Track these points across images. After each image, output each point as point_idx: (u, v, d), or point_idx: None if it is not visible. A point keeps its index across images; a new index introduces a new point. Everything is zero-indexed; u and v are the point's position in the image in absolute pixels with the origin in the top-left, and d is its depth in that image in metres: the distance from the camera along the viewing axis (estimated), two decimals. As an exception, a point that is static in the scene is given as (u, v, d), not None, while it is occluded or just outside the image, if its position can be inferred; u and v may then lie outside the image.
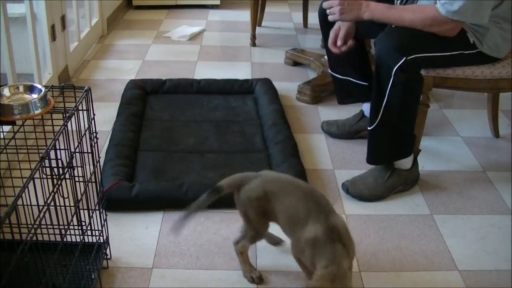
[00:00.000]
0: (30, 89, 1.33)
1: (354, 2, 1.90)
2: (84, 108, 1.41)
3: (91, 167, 1.50)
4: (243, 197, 1.50)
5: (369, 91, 1.97)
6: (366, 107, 2.34)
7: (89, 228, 1.51)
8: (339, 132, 2.43)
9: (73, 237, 1.45)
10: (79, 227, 1.45)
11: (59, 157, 1.25)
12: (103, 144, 2.26)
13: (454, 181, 2.14)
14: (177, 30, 3.79)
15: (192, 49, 3.50)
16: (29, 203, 1.21)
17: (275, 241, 1.70)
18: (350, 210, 1.96)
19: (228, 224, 1.86)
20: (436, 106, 2.75)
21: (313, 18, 3.74)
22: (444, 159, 2.30)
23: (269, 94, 2.68)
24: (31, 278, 1.09)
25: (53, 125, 1.34)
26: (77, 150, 1.42)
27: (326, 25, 2.14)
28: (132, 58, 3.30)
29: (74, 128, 1.36)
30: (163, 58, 3.33)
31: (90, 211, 1.51)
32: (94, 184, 1.53)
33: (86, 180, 1.47)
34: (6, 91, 1.31)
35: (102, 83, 2.94)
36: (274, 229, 1.59)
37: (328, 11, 1.96)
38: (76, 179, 1.41)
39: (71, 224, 1.38)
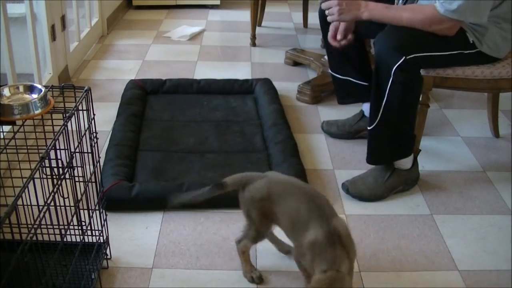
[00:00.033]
0: (30, 89, 1.33)
1: (353, 2, 1.90)
2: (84, 108, 1.41)
3: (91, 167, 1.50)
4: (247, 196, 1.50)
5: (369, 91, 1.97)
6: (366, 107, 2.33)
7: (89, 228, 1.51)
8: (339, 132, 2.43)
9: (73, 237, 1.45)
10: (79, 227, 1.45)
11: (59, 157, 1.25)
12: (103, 144, 2.26)
13: (454, 181, 2.14)
14: (177, 30, 3.79)
15: (192, 49, 3.50)
16: (29, 203, 1.21)
17: (286, 250, 1.68)
18: (350, 210, 1.96)
19: (228, 224, 1.86)
20: (436, 106, 2.75)
21: (313, 18, 3.74)
22: (444, 159, 2.30)
23: (269, 94, 2.68)
24: (31, 278, 1.09)
25: (53, 125, 1.34)
26: (77, 150, 1.42)
27: (326, 25, 2.14)
28: (132, 58, 3.30)
29: (74, 128, 1.36)
30: (163, 58, 3.33)
31: (90, 211, 1.51)
32: (94, 184, 1.53)
33: (86, 180, 1.47)
34: (6, 91, 1.31)
35: (102, 83, 2.94)
36: (284, 237, 1.58)
37: (326, 12, 1.96)
38: (76, 179, 1.41)
39: (71, 224, 1.38)
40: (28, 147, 1.50)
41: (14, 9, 2.73)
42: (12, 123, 1.32)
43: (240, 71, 3.14)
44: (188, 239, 1.79)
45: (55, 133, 1.27)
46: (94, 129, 1.47)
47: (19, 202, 1.05)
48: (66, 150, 1.35)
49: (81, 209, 1.44)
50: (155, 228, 1.83)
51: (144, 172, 2.07)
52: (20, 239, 1.06)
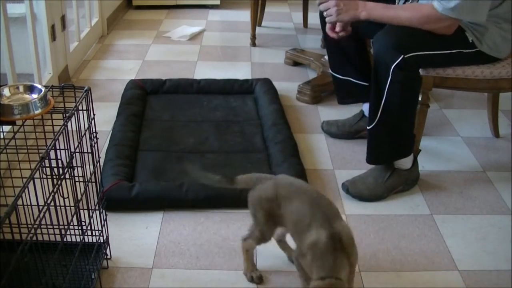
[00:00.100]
0: (30, 89, 1.33)
1: (351, 2, 1.90)
2: (84, 108, 1.41)
3: (91, 167, 1.50)
4: (255, 196, 1.51)
5: (369, 91, 1.97)
6: (366, 107, 2.33)
7: (89, 228, 1.51)
8: (339, 132, 2.43)
9: (73, 237, 1.45)
10: (79, 227, 1.45)
11: (59, 157, 1.25)
12: (103, 144, 2.26)
13: (454, 181, 2.14)
14: (177, 30, 3.79)
15: (192, 49, 3.50)
16: (29, 203, 1.21)
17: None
18: (350, 210, 1.96)
19: (228, 224, 1.86)
20: (436, 106, 2.75)
21: (313, 18, 3.75)
22: (444, 159, 2.30)
23: (269, 94, 2.68)
24: (31, 278, 1.09)
25: (53, 125, 1.34)
26: (77, 150, 1.42)
27: (326, 24, 2.14)
28: (132, 58, 3.30)
29: (74, 128, 1.36)
30: (163, 58, 3.33)
31: (90, 211, 1.51)
32: (94, 184, 1.53)
33: (86, 180, 1.47)
34: (6, 91, 1.31)
35: (102, 83, 2.94)
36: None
37: (325, 13, 1.97)
38: (76, 179, 1.41)
39: (71, 224, 1.38)
40: (28, 147, 1.50)
41: (14, 9, 2.73)
42: (12, 123, 1.32)
43: (240, 71, 3.14)
44: (188, 239, 1.79)
45: (55, 133, 1.27)
46: (94, 129, 1.47)
47: (19, 202, 1.05)
48: (66, 150, 1.35)
49: (81, 209, 1.44)
50: (155, 228, 1.83)
51: (144, 172, 2.07)
52: (20, 239, 1.06)
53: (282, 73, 3.15)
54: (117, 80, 2.95)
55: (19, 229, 1.09)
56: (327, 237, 1.32)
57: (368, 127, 1.97)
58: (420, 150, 2.12)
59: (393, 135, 1.95)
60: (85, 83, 2.90)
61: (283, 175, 1.64)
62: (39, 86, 1.33)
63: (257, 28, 3.68)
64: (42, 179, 1.35)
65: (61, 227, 1.38)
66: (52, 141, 1.23)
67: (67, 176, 1.32)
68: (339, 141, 2.41)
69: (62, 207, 1.33)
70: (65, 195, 1.31)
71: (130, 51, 3.42)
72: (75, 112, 1.36)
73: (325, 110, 2.70)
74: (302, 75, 3.09)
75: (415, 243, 1.79)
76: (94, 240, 1.57)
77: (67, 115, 1.33)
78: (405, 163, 2.02)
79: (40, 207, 1.18)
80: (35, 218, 1.16)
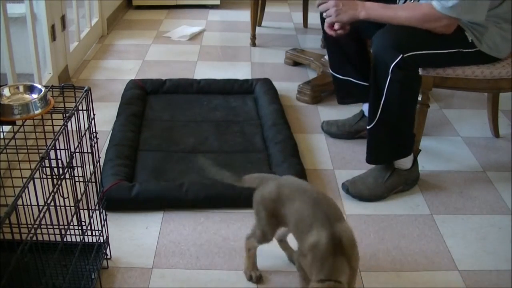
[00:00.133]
0: (30, 89, 1.33)
1: (350, 2, 1.90)
2: (84, 108, 1.41)
3: (91, 167, 1.50)
4: (258, 195, 1.51)
5: (369, 91, 1.97)
6: (366, 107, 2.33)
7: (89, 228, 1.51)
8: (339, 132, 2.43)
9: (73, 237, 1.45)
10: (79, 227, 1.45)
11: (59, 157, 1.25)
12: (103, 144, 2.26)
13: (454, 181, 2.14)
14: (177, 30, 3.79)
15: (192, 49, 3.50)
16: (29, 203, 1.21)
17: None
18: (350, 210, 1.96)
19: (228, 224, 1.86)
20: (436, 106, 2.75)
21: (313, 18, 3.76)
22: (444, 159, 2.30)
23: (269, 94, 2.68)
24: (31, 278, 1.09)
25: (53, 125, 1.34)
26: (77, 150, 1.42)
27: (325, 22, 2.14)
28: (132, 58, 3.30)
29: (74, 128, 1.36)
30: (163, 58, 3.33)
31: (90, 211, 1.51)
32: (94, 184, 1.53)
33: (86, 180, 1.47)
34: (6, 91, 1.31)
35: (102, 83, 2.94)
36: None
37: (324, 14, 1.97)
38: (76, 179, 1.41)
39: (71, 224, 1.38)
40: (28, 147, 1.50)
41: (14, 9, 2.73)
42: (12, 123, 1.32)
43: (240, 71, 3.14)
44: (188, 239, 1.79)
45: (55, 133, 1.27)
46: (94, 129, 1.47)
47: (19, 202, 1.05)
48: (66, 150, 1.35)
49: (81, 209, 1.44)
50: (155, 228, 1.83)
51: (144, 172, 2.07)
52: (20, 239, 1.06)
53: (282, 73, 3.15)
54: (117, 80, 2.95)
55: (19, 229, 1.09)
56: (327, 239, 1.31)
57: (367, 127, 1.97)
58: (420, 150, 2.12)
59: (393, 134, 1.95)
60: (85, 83, 2.90)
61: (288, 176, 1.64)
62: (39, 86, 1.33)
63: (257, 28, 3.68)
64: (42, 179, 1.35)
65: (61, 227, 1.38)
66: (52, 141, 1.23)
67: (67, 176, 1.32)
68: (339, 141, 2.41)
69: (62, 207, 1.33)
70: (65, 195, 1.31)
71: (130, 51, 3.42)
72: (75, 112, 1.36)
73: (325, 110, 2.70)
74: (302, 75, 3.09)
75: (415, 243, 1.79)
76: (94, 240, 1.57)
77: (67, 115, 1.33)
78: (405, 163, 2.02)
79: (40, 207, 1.18)
80: (35, 218, 1.16)
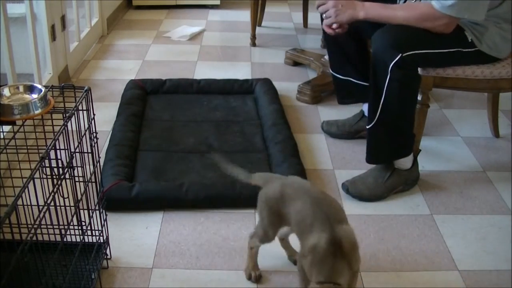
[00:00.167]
0: (30, 89, 1.33)
1: (349, 2, 1.91)
2: (84, 108, 1.41)
3: (91, 167, 1.50)
4: (263, 194, 1.52)
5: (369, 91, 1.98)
6: (366, 107, 2.33)
7: (89, 228, 1.51)
8: (339, 132, 2.43)
9: (73, 237, 1.45)
10: (79, 227, 1.45)
11: (59, 157, 1.25)
12: (103, 144, 2.26)
13: (454, 181, 2.14)
14: (177, 30, 3.79)
15: (192, 49, 3.50)
16: (29, 203, 1.21)
17: (294, 259, 1.66)
18: (350, 210, 1.96)
19: (228, 224, 1.86)
20: (436, 106, 2.75)
21: (313, 18, 3.76)
22: (444, 159, 2.30)
23: (269, 94, 2.68)
24: (31, 278, 1.09)
25: (53, 125, 1.34)
26: (77, 150, 1.42)
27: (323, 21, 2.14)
28: (132, 58, 3.30)
29: (74, 128, 1.36)
30: (163, 58, 3.33)
31: (90, 211, 1.51)
32: (94, 184, 1.53)
33: (86, 180, 1.47)
34: (6, 91, 1.31)
35: (102, 83, 2.94)
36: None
37: (323, 15, 1.97)
38: (76, 179, 1.41)
39: (71, 224, 1.38)
40: (28, 147, 1.50)
41: (14, 9, 2.73)
42: (12, 123, 1.32)
43: (240, 71, 3.14)
44: (188, 239, 1.79)
45: (55, 133, 1.27)
46: (94, 129, 1.47)
47: (19, 202, 1.05)
48: (66, 150, 1.35)
49: (81, 209, 1.44)
50: (155, 228, 1.83)
51: (144, 172, 2.07)
52: (20, 239, 1.06)
53: (282, 73, 3.15)
54: (117, 80, 2.95)
55: (19, 229, 1.09)
56: (327, 241, 1.30)
57: (367, 127, 1.97)
58: (420, 150, 2.12)
59: (393, 134, 1.95)
60: (85, 83, 2.90)
61: (293, 176, 1.65)
62: (39, 86, 1.33)
63: (257, 28, 3.68)
64: (42, 179, 1.35)
65: (61, 227, 1.38)
66: (52, 141, 1.23)
67: (67, 176, 1.32)
68: (339, 141, 2.41)
69: (62, 207, 1.33)
70: (65, 195, 1.31)
71: (130, 51, 3.42)
72: (75, 112, 1.36)
73: (325, 110, 2.70)
74: (302, 75, 3.09)
75: (415, 243, 1.79)
76: (94, 240, 1.57)
77: (67, 115, 1.33)
78: (405, 163, 2.02)
79: (40, 207, 1.18)
80: (35, 218, 1.16)
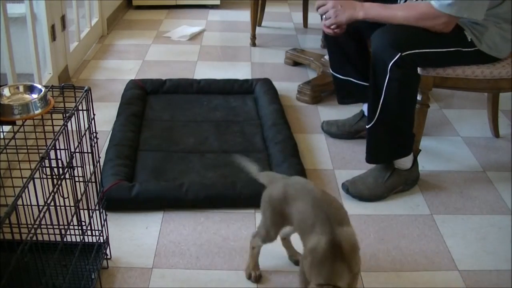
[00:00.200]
0: (30, 89, 1.33)
1: (348, 2, 1.91)
2: (84, 108, 1.41)
3: (91, 167, 1.50)
4: (266, 194, 1.52)
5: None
6: (366, 107, 2.33)
7: (89, 228, 1.51)
8: (339, 132, 2.43)
9: (73, 237, 1.45)
10: (79, 227, 1.45)
11: (59, 157, 1.25)
12: (103, 144, 2.26)
13: (454, 181, 2.14)
14: (177, 30, 3.79)
15: (192, 49, 3.50)
16: (29, 203, 1.21)
17: (295, 260, 1.67)
18: (350, 210, 1.93)
19: (228, 224, 1.86)
20: (436, 106, 2.75)
21: (313, 18, 3.76)
22: (444, 159, 2.30)
23: (269, 94, 2.68)
24: (31, 278, 1.09)
25: (53, 125, 1.34)
26: (77, 150, 1.42)
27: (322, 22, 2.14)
28: (132, 58, 3.30)
29: (74, 128, 1.36)
30: (163, 58, 3.33)
31: (90, 211, 1.51)
32: (94, 184, 1.53)
33: (86, 180, 1.47)
34: (6, 91, 1.31)
35: (102, 83, 2.94)
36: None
37: (323, 16, 1.97)
38: (76, 179, 1.41)
39: (71, 224, 1.38)
40: (28, 147, 1.50)
41: (14, 9, 2.73)
42: (12, 123, 1.32)
43: (240, 71, 3.14)
44: (188, 239, 1.79)
45: (55, 133, 1.27)
46: (94, 129, 1.47)
47: (19, 202, 1.05)
48: (66, 150, 1.35)
49: (81, 209, 1.44)
50: (155, 228, 1.83)
51: (144, 172, 2.07)
52: (20, 239, 1.06)
53: (282, 73, 3.15)
54: (117, 80, 2.95)
55: (19, 229, 1.09)
56: (326, 243, 1.30)
57: (367, 126, 1.97)
58: (420, 150, 2.12)
59: (392, 134, 1.95)
60: (85, 83, 2.90)
61: (297, 176, 1.65)
62: (39, 86, 1.33)
63: (257, 28, 3.68)
64: (42, 179, 1.35)
65: (61, 227, 1.38)
66: (52, 141, 1.23)
67: (67, 176, 1.32)
68: (339, 141, 2.41)
69: (62, 207, 1.33)
70: (65, 195, 1.31)
71: (130, 51, 3.42)
72: (75, 112, 1.36)
73: (325, 110, 2.70)
74: (302, 75, 3.09)
75: (415, 243, 1.79)
76: (94, 240, 1.57)
77: (67, 115, 1.33)
78: (405, 163, 2.02)
79: (40, 207, 1.18)
80: (35, 218, 1.16)
